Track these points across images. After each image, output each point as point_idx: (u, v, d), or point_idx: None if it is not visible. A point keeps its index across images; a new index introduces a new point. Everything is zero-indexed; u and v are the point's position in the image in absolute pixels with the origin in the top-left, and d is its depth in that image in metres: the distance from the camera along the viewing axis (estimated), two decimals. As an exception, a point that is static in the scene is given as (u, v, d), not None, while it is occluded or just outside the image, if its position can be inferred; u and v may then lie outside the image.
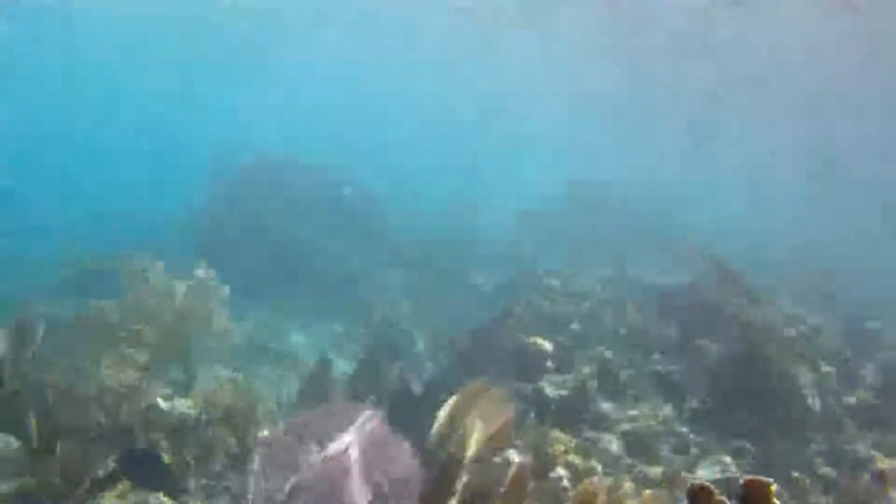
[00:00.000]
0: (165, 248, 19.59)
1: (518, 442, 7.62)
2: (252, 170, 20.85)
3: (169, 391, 8.92)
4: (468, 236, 22.34)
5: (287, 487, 5.03)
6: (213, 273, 9.52)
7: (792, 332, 12.18)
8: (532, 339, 10.84)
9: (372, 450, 5.59)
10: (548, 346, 10.66)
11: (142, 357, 8.78)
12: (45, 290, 16.90)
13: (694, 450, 9.32)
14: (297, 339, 15.50)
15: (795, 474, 8.57)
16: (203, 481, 7.75)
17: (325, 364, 10.84)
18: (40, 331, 7.46)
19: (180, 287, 9.41)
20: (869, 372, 12.49)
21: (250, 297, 15.93)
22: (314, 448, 5.51)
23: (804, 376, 10.79)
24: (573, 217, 23.74)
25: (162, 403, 8.45)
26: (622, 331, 12.65)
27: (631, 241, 22.00)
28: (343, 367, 14.00)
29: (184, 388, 9.51)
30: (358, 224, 19.40)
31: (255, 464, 7.32)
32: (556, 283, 15.59)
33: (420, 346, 13.09)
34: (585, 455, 8.01)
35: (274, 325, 15.73)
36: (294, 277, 17.63)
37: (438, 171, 42.71)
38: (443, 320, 14.92)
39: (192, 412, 8.46)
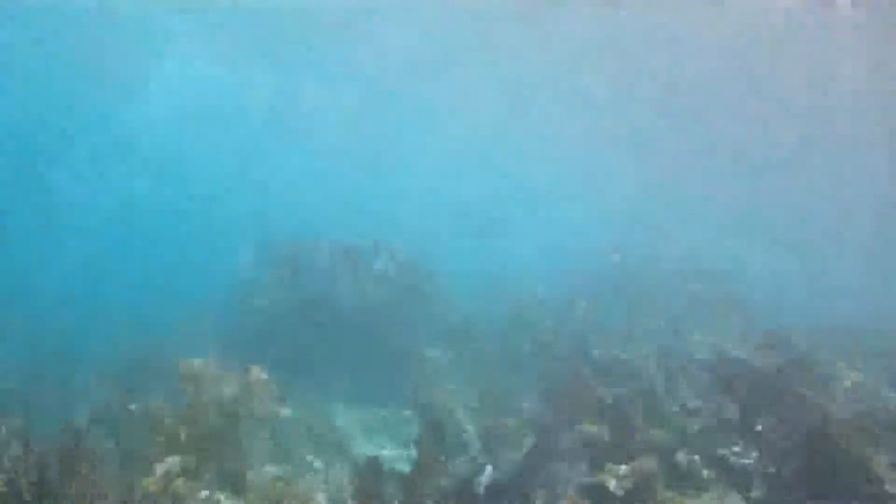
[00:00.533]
0: (207, 321, 19.99)
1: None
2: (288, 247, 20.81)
3: (218, 497, 8.72)
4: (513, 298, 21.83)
5: None
6: (264, 372, 9.40)
7: (861, 407, 11.62)
8: (586, 426, 10.50)
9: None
10: (606, 434, 10.29)
11: (190, 462, 8.63)
12: (95, 377, 16.91)
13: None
14: (344, 423, 15.24)
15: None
16: None
17: (374, 462, 10.56)
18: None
19: (232, 386, 9.29)
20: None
21: (293, 376, 15.81)
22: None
23: (879, 458, 10.22)
24: (619, 279, 23.25)
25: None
26: (680, 411, 12.18)
27: (681, 304, 21.45)
28: (391, 454, 13.74)
29: (234, 488, 9.30)
30: (401, 295, 19.09)
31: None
32: (607, 357, 15.23)
33: (471, 434, 12.62)
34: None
35: (320, 408, 15.51)
36: (337, 355, 17.44)
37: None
38: (491, 401, 14.55)
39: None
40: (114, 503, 7.51)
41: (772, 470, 10.48)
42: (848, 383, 13.56)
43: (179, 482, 7.94)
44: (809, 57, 28.75)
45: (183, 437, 8.72)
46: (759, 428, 11.04)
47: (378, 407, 16.35)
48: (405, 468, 12.50)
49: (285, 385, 14.54)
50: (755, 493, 10.19)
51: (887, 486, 9.99)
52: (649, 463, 10.10)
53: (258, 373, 9.30)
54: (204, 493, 8.39)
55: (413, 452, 13.70)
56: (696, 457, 10.89)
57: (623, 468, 9.85)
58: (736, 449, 10.99)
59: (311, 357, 17.14)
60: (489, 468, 9.68)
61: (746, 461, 10.75)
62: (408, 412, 15.98)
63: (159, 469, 8.18)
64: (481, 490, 8.69)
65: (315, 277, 19.31)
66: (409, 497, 8.98)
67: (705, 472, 10.56)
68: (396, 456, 13.63)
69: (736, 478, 10.49)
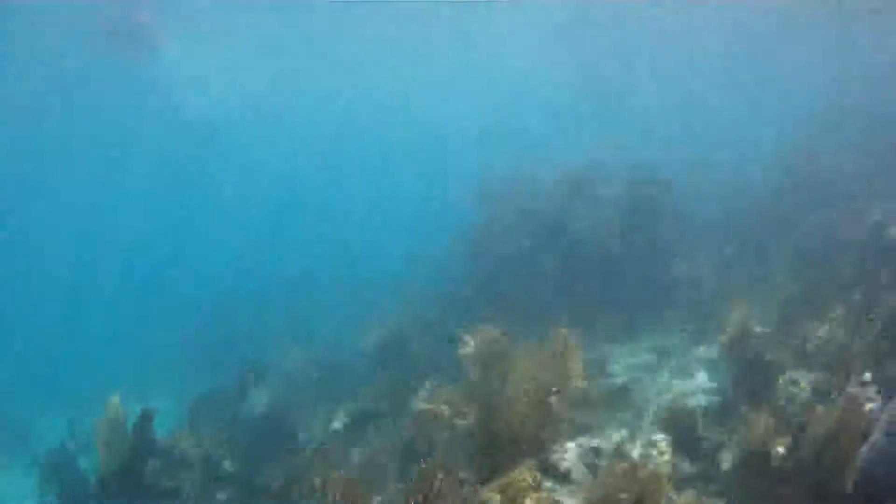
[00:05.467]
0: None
1: None
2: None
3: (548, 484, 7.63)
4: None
5: None
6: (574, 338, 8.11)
7: None
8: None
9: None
10: None
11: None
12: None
13: None
14: (620, 367, 13.79)
15: None
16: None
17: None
18: None
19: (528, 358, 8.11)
20: None
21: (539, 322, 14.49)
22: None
23: None
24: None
25: None
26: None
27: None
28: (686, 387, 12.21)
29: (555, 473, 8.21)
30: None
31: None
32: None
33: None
34: None
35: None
36: (584, 290, 15.88)
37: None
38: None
39: None
40: None
41: None
42: None
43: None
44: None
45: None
46: None
47: (641, 339, 14.87)
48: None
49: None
50: None
51: None
52: None
53: (565, 339, 8.01)
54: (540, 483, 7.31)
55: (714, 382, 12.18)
56: None
57: None
58: None
59: (556, 298, 15.75)
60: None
61: None
62: (679, 338, 14.41)
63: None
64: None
65: (544, 211, 17.91)
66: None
67: None
68: (692, 388, 12.15)
69: None
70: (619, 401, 11.90)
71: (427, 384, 12.74)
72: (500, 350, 8.17)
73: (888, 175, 16.84)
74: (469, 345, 8.54)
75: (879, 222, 12.57)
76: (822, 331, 9.95)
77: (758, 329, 10.73)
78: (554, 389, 7.77)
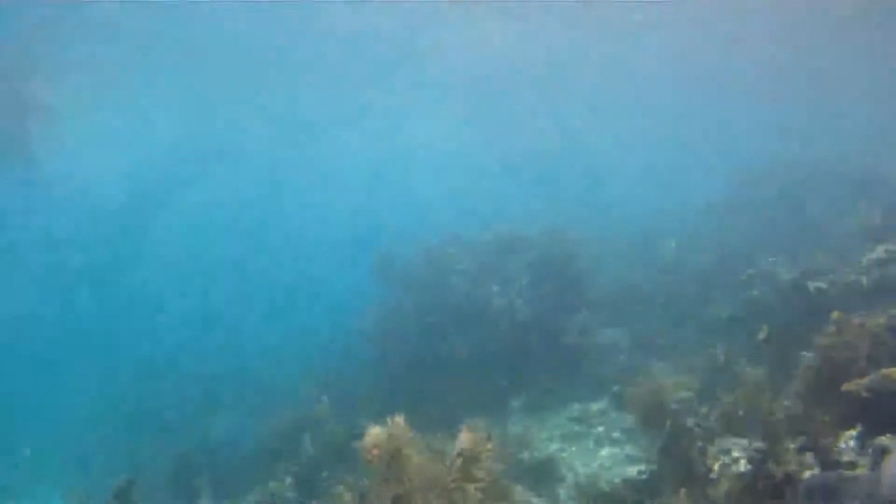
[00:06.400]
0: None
1: None
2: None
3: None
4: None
5: None
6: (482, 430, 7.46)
7: None
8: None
9: None
10: None
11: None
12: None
13: None
14: (535, 438, 13.12)
15: None
16: None
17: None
18: None
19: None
20: None
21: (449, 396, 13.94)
22: None
23: None
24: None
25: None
26: None
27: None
28: (609, 456, 11.80)
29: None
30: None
31: None
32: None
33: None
34: None
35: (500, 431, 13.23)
36: (509, 367, 15.36)
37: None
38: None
39: None
40: None
41: None
42: None
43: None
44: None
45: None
46: None
47: (563, 408, 14.38)
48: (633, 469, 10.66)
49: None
50: None
51: None
52: None
53: (472, 435, 7.33)
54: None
55: (630, 449, 11.81)
56: None
57: None
58: None
59: (475, 370, 15.18)
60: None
61: None
62: (600, 404, 14.00)
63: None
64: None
65: (453, 284, 17.45)
66: None
67: None
68: (617, 457, 11.71)
69: None
70: (544, 474, 11.34)
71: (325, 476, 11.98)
72: (408, 442, 7.37)
73: (793, 234, 17.35)
74: (371, 438, 7.69)
75: (795, 280, 12.58)
76: (747, 395, 9.63)
77: (680, 394, 10.39)
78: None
